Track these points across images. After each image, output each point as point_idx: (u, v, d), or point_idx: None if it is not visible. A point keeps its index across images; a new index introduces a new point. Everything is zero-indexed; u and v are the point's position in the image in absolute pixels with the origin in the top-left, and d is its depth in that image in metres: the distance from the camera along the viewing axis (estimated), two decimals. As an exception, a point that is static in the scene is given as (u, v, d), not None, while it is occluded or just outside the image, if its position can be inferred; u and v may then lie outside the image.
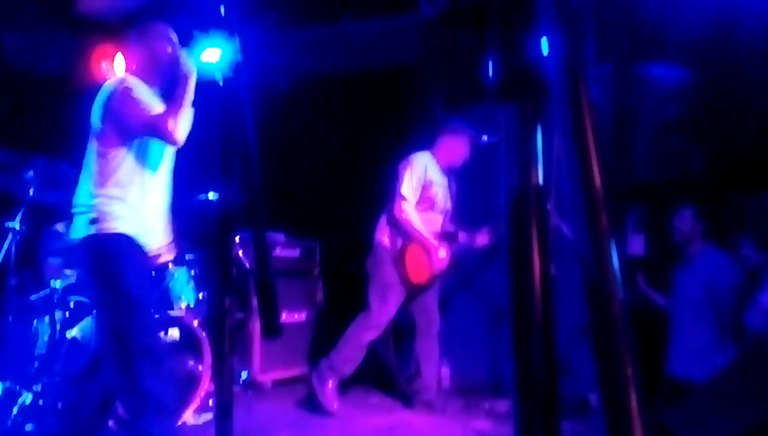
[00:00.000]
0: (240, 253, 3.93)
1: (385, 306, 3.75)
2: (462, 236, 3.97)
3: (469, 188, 4.22)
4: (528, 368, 0.83)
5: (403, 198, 3.73)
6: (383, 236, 3.84)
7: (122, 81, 2.58)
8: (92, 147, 2.54)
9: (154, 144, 2.57)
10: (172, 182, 2.77)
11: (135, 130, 2.49)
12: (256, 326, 4.25)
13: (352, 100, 4.88)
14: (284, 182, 4.21)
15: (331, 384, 3.72)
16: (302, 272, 4.71)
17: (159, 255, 2.79)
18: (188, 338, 3.45)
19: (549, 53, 0.81)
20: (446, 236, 3.94)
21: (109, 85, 2.57)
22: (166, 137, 2.47)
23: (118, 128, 2.49)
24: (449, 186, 4.00)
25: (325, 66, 4.96)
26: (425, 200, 3.83)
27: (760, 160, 3.55)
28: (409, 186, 3.75)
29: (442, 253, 3.84)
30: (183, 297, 3.69)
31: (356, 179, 4.28)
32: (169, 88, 2.56)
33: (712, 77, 3.71)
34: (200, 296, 3.80)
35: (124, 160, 2.51)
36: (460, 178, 4.09)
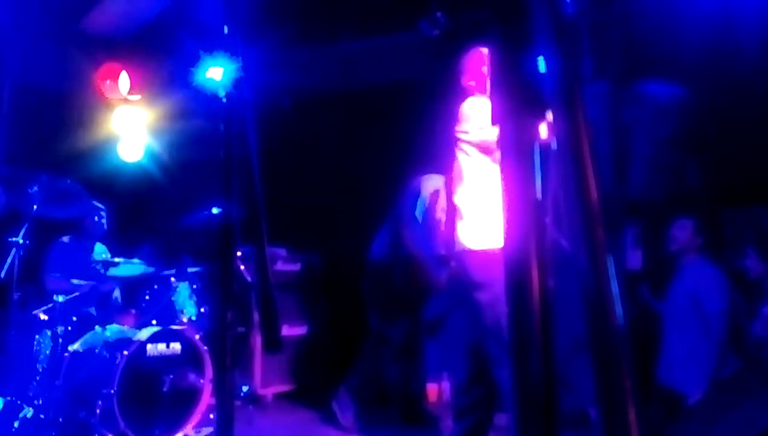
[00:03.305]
0: (242, 267, 3.94)
1: (393, 326, 3.77)
2: (455, 262, 4.00)
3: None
4: (527, 382, 0.83)
5: (413, 218, 3.74)
6: (382, 255, 3.85)
7: None
8: None
9: None
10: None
11: None
12: (257, 340, 4.25)
13: (353, 116, 4.91)
14: (286, 197, 4.22)
15: (349, 414, 3.72)
16: (303, 286, 4.71)
17: None
18: (190, 352, 3.45)
19: (546, 71, 0.82)
20: (442, 260, 3.96)
21: None
22: None
23: None
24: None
25: (327, 84, 5.00)
26: (430, 224, 3.84)
27: (756, 176, 3.56)
28: (420, 207, 3.77)
29: (439, 278, 3.85)
30: (185, 311, 3.70)
31: (357, 195, 4.30)
32: None
33: (708, 93, 3.74)
34: (202, 310, 3.81)
35: None
36: None
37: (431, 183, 3.88)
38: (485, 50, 2.76)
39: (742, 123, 3.65)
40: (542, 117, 0.84)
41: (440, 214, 3.89)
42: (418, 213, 3.77)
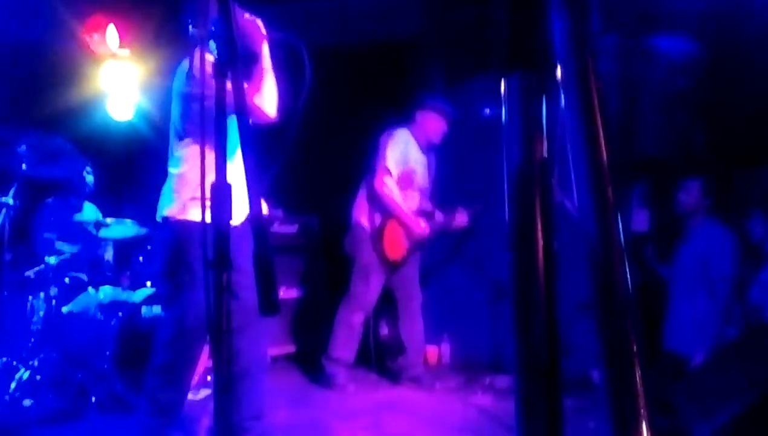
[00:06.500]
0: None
1: (369, 287, 3.75)
2: (439, 216, 3.97)
3: (453, 166, 4.23)
4: (530, 344, 0.82)
5: (386, 171, 3.70)
6: (361, 216, 3.82)
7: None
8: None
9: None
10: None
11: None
12: (253, 302, 4.24)
13: (353, 74, 4.80)
14: (283, 158, 4.15)
15: (341, 375, 3.75)
16: (301, 248, 4.69)
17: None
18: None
19: (555, 24, 0.78)
20: (424, 215, 3.93)
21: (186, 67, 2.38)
22: (255, 115, 2.35)
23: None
24: (428, 164, 3.96)
25: (326, 40, 4.87)
26: (404, 177, 3.79)
27: (765, 135, 3.50)
28: (391, 160, 3.72)
29: (421, 225, 3.81)
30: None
31: (356, 154, 4.24)
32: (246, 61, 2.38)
33: (719, 50, 3.64)
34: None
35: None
36: (443, 156, 4.08)
37: (401, 136, 3.81)
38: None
39: (751, 80, 3.57)
40: (551, 72, 0.80)
41: (414, 165, 3.85)
42: (391, 166, 3.71)
